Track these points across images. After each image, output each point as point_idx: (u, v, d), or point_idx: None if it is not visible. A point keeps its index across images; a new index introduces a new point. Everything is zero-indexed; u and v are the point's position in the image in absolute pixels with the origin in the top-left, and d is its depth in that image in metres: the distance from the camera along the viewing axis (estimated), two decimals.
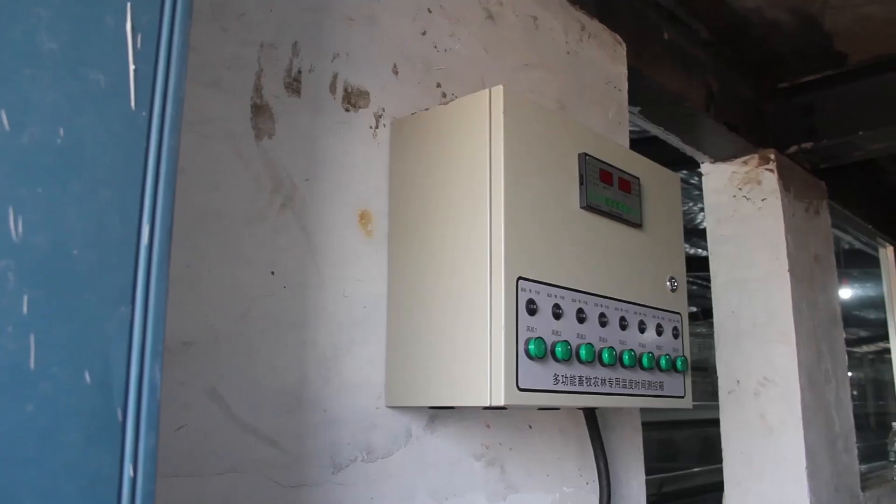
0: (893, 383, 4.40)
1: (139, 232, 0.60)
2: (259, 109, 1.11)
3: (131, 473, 0.56)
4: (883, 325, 4.45)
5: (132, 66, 0.61)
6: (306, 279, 1.13)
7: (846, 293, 5.93)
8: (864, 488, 3.04)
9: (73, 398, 0.54)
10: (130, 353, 0.58)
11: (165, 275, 0.61)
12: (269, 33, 1.14)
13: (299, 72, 1.17)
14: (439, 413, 1.29)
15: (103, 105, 0.59)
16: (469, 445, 1.33)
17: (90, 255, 0.57)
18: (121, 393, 0.57)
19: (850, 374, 3.07)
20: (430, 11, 1.41)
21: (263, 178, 1.10)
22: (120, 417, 0.57)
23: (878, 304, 4.56)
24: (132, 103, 0.61)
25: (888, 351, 4.47)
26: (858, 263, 5.03)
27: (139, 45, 0.61)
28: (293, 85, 1.16)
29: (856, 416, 3.05)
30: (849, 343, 3.18)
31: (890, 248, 4.28)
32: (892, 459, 3.77)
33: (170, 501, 0.92)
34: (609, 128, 1.85)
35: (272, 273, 1.09)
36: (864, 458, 3.30)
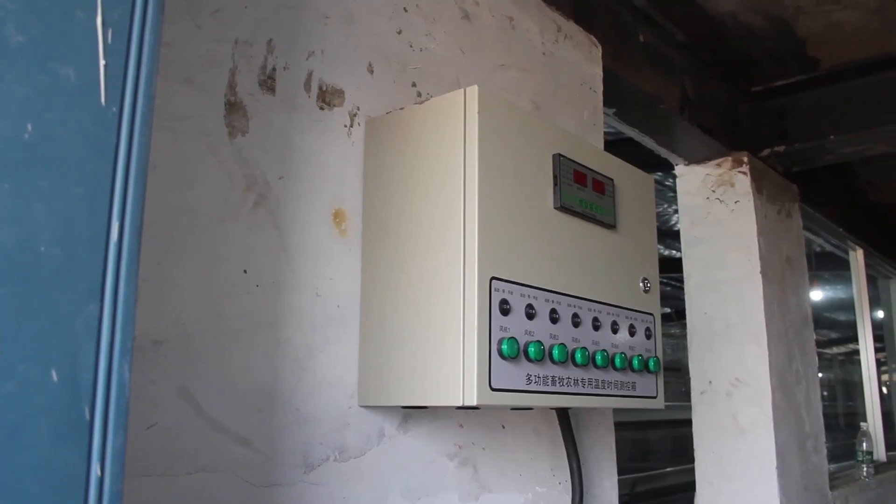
0: (862, 384, 4.46)
1: (108, 229, 0.59)
2: (233, 107, 1.10)
3: (98, 473, 0.56)
4: (852, 327, 4.51)
5: (102, 61, 0.60)
6: (279, 278, 1.12)
7: (817, 295, 6.00)
8: (832, 487, 3.08)
9: (39, 397, 0.54)
10: (99, 351, 0.57)
11: (135, 272, 0.60)
12: (244, 30, 1.13)
13: (274, 69, 1.16)
14: (412, 413, 1.29)
15: (73, 100, 0.58)
16: (442, 445, 1.33)
17: (58, 251, 0.56)
18: (88, 391, 0.56)
19: (820, 375, 3.11)
20: (406, 10, 1.41)
21: (237, 176, 1.09)
22: (87, 416, 0.56)
23: (849, 306, 4.62)
24: (102, 99, 0.60)
25: (857, 353, 4.53)
26: (829, 266, 5.10)
27: (110, 39, 0.61)
28: (268, 83, 1.15)
29: (825, 416, 3.09)
30: (819, 344, 3.23)
31: (860, 251, 4.35)
32: (860, 459, 3.81)
33: (140, 501, 0.91)
34: (584, 129, 1.86)
35: (245, 271, 1.08)
36: (833, 458, 3.34)
